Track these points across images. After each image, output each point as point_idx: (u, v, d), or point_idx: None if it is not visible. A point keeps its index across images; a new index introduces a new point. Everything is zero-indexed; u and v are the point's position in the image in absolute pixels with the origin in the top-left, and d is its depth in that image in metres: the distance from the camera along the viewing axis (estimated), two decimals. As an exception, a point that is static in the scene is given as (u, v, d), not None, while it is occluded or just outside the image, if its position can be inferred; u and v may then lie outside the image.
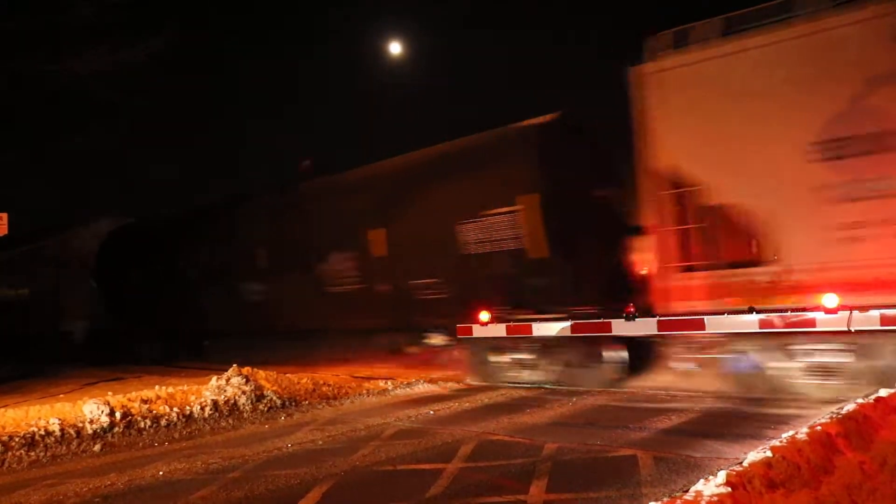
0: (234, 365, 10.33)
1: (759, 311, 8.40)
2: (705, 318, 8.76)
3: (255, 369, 10.69)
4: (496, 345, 10.91)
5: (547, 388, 10.23)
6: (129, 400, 9.10)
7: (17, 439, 7.64)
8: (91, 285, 20.62)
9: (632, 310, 9.37)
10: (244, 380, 9.89)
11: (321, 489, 5.47)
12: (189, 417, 8.97)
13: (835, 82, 8.22)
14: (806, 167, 8.32)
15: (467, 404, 9.21)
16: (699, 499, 3.65)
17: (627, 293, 10.08)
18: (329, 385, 11.01)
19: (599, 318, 9.75)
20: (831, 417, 5.32)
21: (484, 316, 10.85)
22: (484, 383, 10.94)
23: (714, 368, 8.94)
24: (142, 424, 8.54)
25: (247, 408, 9.46)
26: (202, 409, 9.18)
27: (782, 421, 6.90)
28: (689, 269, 9.15)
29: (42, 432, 7.91)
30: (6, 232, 13.84)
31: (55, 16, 12.95)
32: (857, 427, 5.14)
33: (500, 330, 10.75)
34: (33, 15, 12.89)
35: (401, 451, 6.65)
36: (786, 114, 8.51)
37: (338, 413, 9.18)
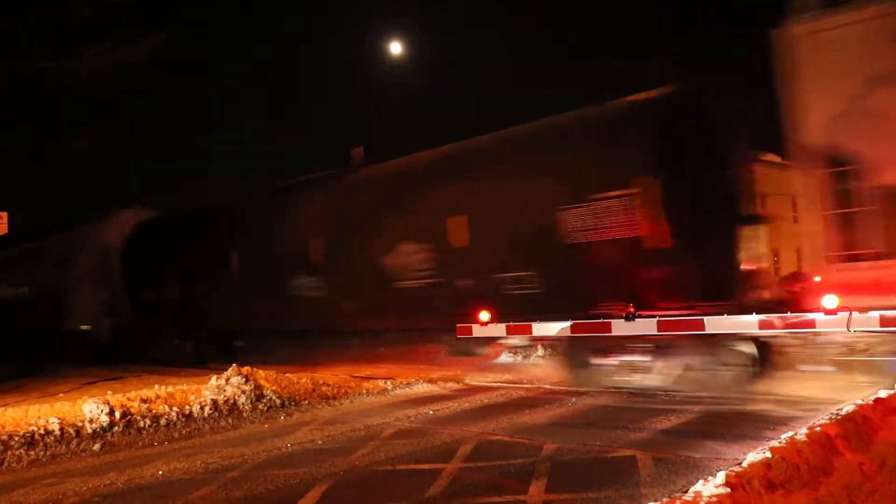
0: (234, 364, 10.33)
1: (759, 312, 8.38)
2: (705, 318, 8.73)
3: (255, 369, 10.69)
4: (599, 346, 9.88)
5: (548, 388, 10.22)
6: (129, 399, 9.10)
7: (16, 438, 7.64)
8: (114, 282, 19.26)
9: (632, 310, 9.30)
10: (244, 379, 9.89)
11: (320, 489, 5.47)
12: (189, 417, 8.97)
13: None
14: None
15: (467, 404, 9.21)
16: (698, 499, 3.65)
17: (746, 289, 9.39)
18: (329, 385, 11.01)
19: (599, 319, 9.65)
20: (830, 418, 5.32)
21: (484, 316, 10.74)
22: (583, 388, 9.87)
23: (858, 371, 8.06)
24: (141, 424, 8.54)
25: (246, 407, 9.46)
26: (202, 408, 9.18)
27: (781, 422, 6.89)
28: (851, 259, 8.02)
29: (42, 431, 7.91)
30: (6, 231, 13.85)
31: (55, 15, 12.97)
32: (856, 428, 5.14)
33: (499, 330, 10.65)
34: (33, 14, 12.91)
35: (400, 451, 6.65)
36: None
37: (337, 413, 9.18)
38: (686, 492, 3.88)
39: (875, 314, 7.69)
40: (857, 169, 7.95)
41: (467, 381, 11.54)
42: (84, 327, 19.62)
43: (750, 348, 8.87)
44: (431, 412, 8.72)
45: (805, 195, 8.37)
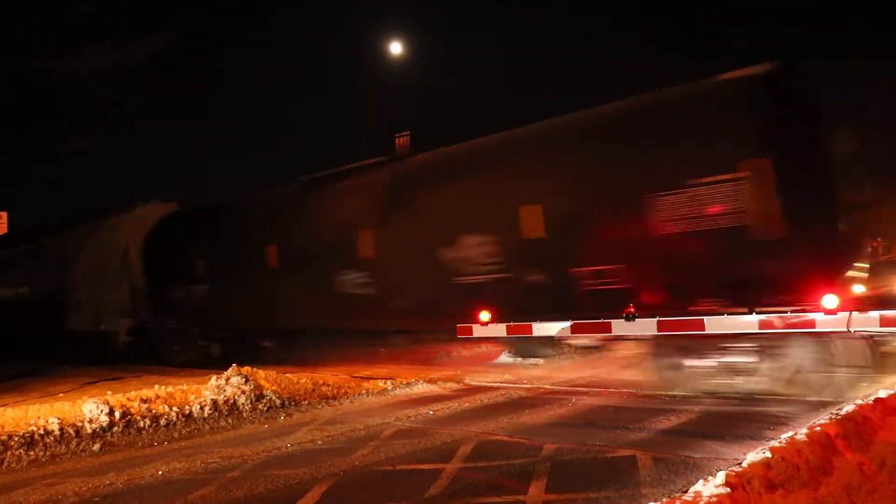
0: (234, 364, 10.33)
1: (759, 312, 8.38)
2: (705, 318, 8.72)
3: (255, 369, 10.70)
4: (693, 346, 9.15)
5: (547, 388, 10.22)
6: (129, 399, 9.10)
7: (16, 438, 7.64)
8: (133, 280, 18.03)
9: (632, 310, 9.28)
10: (243, 379, 9.89)
11: (320, 489, 5.47)
12: (188, 417, 8.97)
13: None
14: None
15: (466, 404, 9.21)
16: (698, 499, 3.65)
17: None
18: (328, 385, 11.01)
19: (599, 319, 9.62)
20: (830, 418, 5.32)
21: (484, 316, 10.73)
22: (672, 392, 9.17)
23: None
24: (141, 424, 8.54)
25: (246, 407, 9.46)
26: (201, 408, 9.18)
27: (781, 422, 6.90)
28: None
29: (41, 431, 7.91)
30: (6, 230, 13.84)
31: (55, 15, 12.98)
32: (856, 428, 5.14)
33: (499, 330, 10.62)
34: (33, 14, 12.92)
35: (400, 451, 6.65)
36: None
37: (337, 413, 9.18)
38: (686, 492, 3.88)
39: (875, 314, 7.70)
40: None
41: (467, 381, 11.54)
42: (102, 328, 18.66)
43: (865, 349, 8.25)
44: (431, 412, 8.71)
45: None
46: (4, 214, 13.60)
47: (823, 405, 7.56)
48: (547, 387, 10.36)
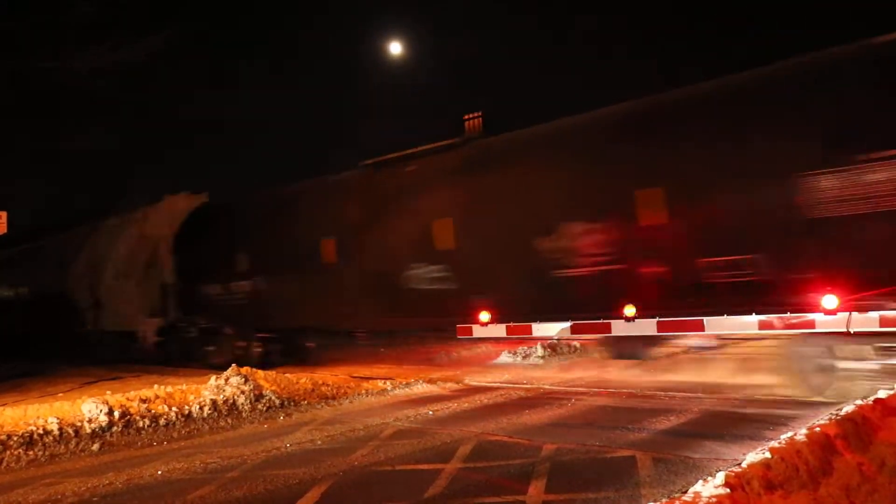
0: (234, 364, 10.33)
1: (758, 312, 8.35)
2: (704, 319, 8.71)
3: (255, 369, 10.70)
4: (849, 347, 8.07)
5: (547, 388, 10.21)
6: (128, 399, 9.10)
7: (15, 438, 7.64)
8: (162, 277, 16.81)
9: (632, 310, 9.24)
10: (243, 379, 9.89)
11: (320, 489, 5.47)
12: (188, 417, 8.97)
13: None
14: None
15: (466, 405, 9.21)
16: (697, 500, 3.65)
17: None
18: (328, 385, 11.00)
19: (599, 319, 9.58)
20: (830, 419, 5.31)
21: (484, 316, 10.68)
22: (821, 398, 8.05)
23: None
24: (140, 424, 8.54)
25: (245, 407, 9.46)
26: (201, 408, 9.17)
27: (781, 422, 6.89)
28: None
29: (41, 431, 7.91)
30: (6, 230, 13.84)
31: (55, 15, 12.99)
32: (855, 428, 5.13)
33: (499, 330, 10.57)
34: (33, 14, 12.92)
35: (399, 451, 6.65)
36: None
37: (337, 413, 9.18)
38: (685, 492, 3.87)
39: (875, 314, 7.65)
40: None
41: (467, 381, 11.54)
42: (128, 328, 17.45)
43: None
44: (431, 412, 8.71)
45: None
46: (4, 214, 13.60)
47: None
48: (546, 387, 10.35)
